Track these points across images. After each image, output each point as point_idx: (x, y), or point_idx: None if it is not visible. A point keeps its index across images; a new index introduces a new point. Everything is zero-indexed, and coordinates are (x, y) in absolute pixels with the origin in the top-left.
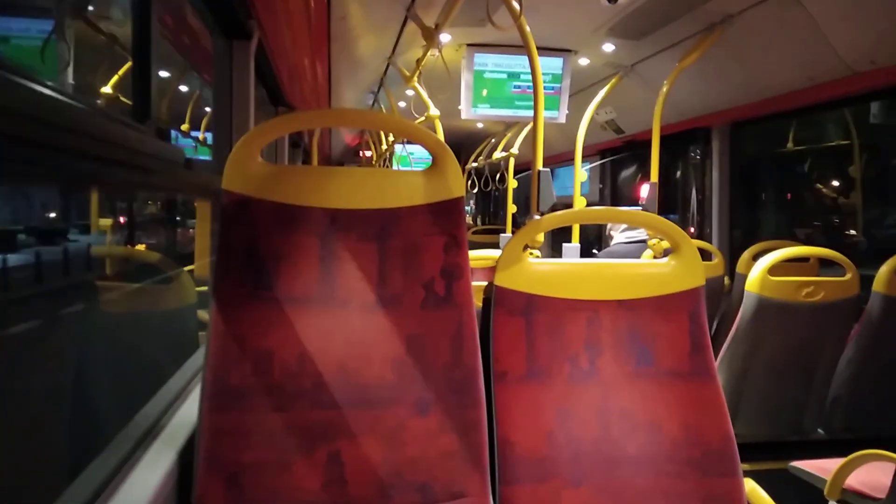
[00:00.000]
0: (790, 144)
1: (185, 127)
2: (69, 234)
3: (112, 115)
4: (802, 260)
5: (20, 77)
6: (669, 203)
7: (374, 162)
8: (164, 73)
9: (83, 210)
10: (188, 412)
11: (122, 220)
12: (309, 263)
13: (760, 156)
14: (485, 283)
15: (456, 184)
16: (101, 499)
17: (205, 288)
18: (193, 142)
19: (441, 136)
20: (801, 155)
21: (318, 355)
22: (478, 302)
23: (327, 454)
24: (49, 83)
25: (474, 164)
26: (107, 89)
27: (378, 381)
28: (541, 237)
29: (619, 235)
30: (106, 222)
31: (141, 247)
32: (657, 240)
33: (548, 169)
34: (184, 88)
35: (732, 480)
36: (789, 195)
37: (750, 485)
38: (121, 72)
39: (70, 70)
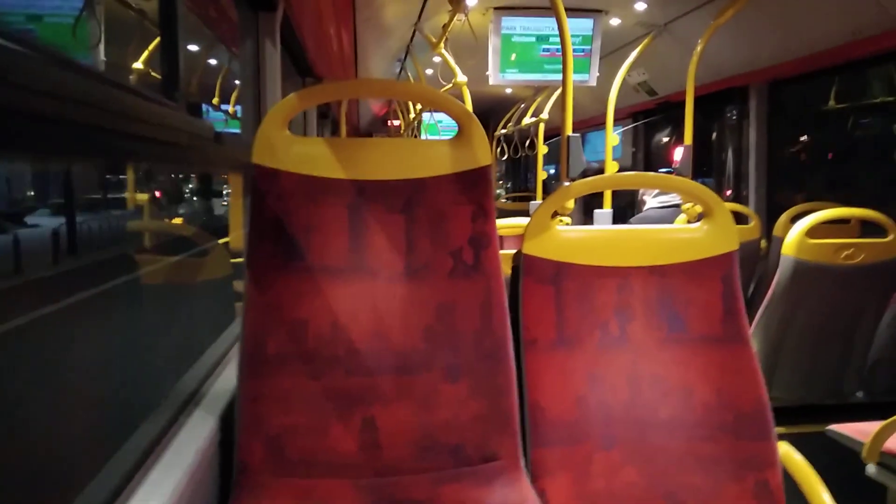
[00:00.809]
0: (832, 102)
1: (215, 101)
2: (28, 218)
3: (141, 91)
4: (843, 222)
5: (51, 56)
6: (705, 166)
7: (402, 131)
8: (192, 48)
9: (58, 185)
10: (227, 379)
11: (157, 194)
12: (339, 234)
13: (799, 115)
14: (513, 252)
15: (483, 152)
16: (150, 459)
17: (240, 259)
18: (224, 115)
19: (469, 103)
20: (843, 113)
21: (351, 323)
22: (507, 270)
23: (362, 419)
24: (80, 62)
25: (503, 131)
26: (138, 65)
27: (409, 348)
28: (570, 204)
29: (651, 200)
30: (143, 197)
31: (178, 220)
32: (691, 204)
33: (578, 134)
34: (213, 62)
35: (766, 444)
36: (830, 155)
37: (784, 448)
38: (150, 47)
39: (101, 46)
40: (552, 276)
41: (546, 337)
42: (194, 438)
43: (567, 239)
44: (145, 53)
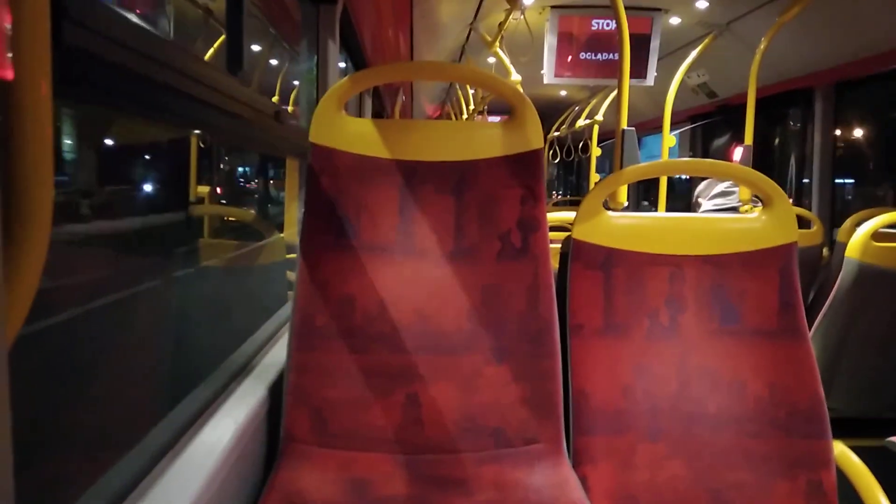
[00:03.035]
0: None
1: (274, 99)
2: None
3: (209, 62)
4: None
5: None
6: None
7: None
8: (255, 48)
9: None
10: (278, 354)
11: (218, 190)
12: (389, 214)
13: (867, 119)
14: (558, 244)
15: (534, 135)
16: (199, 421)
17: (293, 255)
18: None
19: None
20: None
21: (398, 302)
22: (554, 262)
23: (405, 396)
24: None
25: (556, 134)
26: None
27: (454, 328)
28: (623, 198)
29: (707, 203)
30: (203, 189)
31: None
32: (749, 206)
33: (633, 128)
34: (273, 62)
35: (821, 442)
36: None
37: (840, 448)
38: (216, 44)
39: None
40: (602, 261)
41: (593, 323)
42: (244, 406)
43: (618, 225)
44: (211, 51)
